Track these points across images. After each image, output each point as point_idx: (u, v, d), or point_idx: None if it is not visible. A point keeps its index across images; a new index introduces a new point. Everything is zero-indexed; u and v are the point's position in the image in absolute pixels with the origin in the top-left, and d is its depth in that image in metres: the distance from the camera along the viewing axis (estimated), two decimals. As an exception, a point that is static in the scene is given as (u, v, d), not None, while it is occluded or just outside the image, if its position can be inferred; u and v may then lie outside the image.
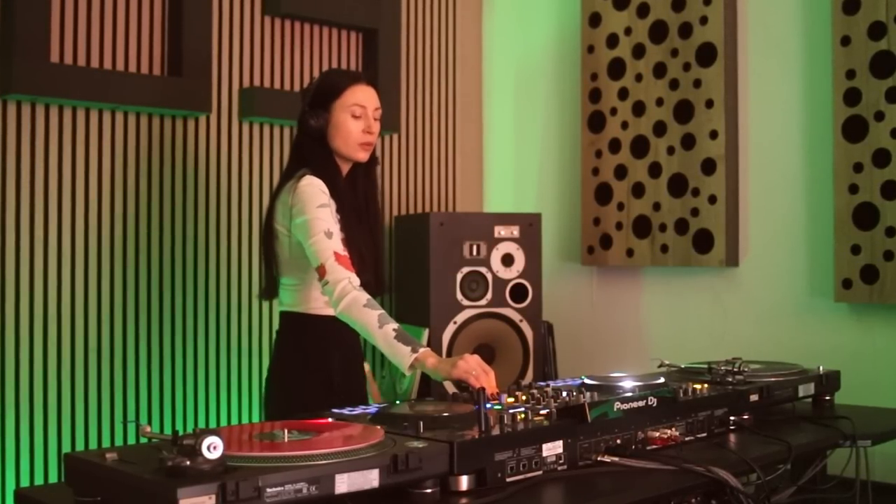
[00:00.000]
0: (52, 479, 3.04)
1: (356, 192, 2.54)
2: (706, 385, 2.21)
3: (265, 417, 2.56)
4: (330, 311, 2.36)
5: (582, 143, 4.00)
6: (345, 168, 2.53)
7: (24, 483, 2.98)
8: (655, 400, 1.98)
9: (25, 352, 3.05)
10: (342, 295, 2.24)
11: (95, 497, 1.48)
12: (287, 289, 2.49)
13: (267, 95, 3.57)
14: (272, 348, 2.61)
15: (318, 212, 2.34)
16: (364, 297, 2.24)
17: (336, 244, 2.31)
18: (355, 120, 2.47)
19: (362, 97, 2.48)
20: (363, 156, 2.50)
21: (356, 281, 2.28)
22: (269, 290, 2.55)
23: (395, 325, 2.20)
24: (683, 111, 3.67)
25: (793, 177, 3.46)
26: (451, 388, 3.11)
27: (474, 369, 2.07)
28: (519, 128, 4.35)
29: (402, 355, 2.15)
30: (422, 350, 2.16)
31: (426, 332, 3.51)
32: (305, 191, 2.37)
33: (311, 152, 2.48)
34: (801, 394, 2.44)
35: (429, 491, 1.58)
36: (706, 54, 3.61)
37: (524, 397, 2.02)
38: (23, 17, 2.99)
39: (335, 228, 2.35)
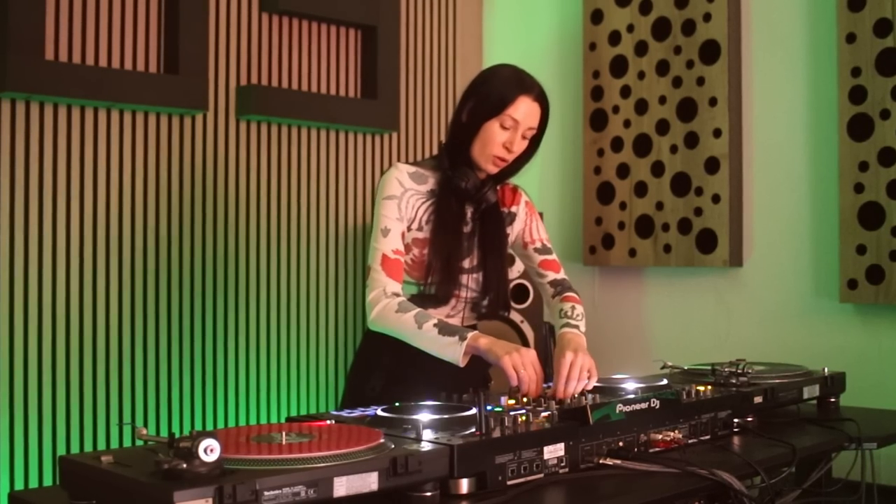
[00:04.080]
0: (47, 482, 3.03)
1: (475, 199, 2.30)
2: (710, 387, 2.19)
3: None
4: None
5: (584, 142, 3.98)
6: (479, 173, 2.31)
7: (19, 486, 2.96)
8: (658, 402, 1.96)
9: (20, 353, 3.02)
10: (373, 304, 2.14)
11: (90, 500, 1.46)
12: None
13: (264, 93, 3.55)
14: None
15: (383, 205, 2.22)
16: (395, 302, 2.12)
17: (388, 244, 2.19)
18: (502, 130, 2.22)
19: (521, 111, 2.21)
20: (492, 168, 2.28)
21: (391, 289, 2.16)
22: None
23: (435, 320, 2.09)
24: (686, 109, 3.65)
25: (797, 176, 3.44)
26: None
27: (524, 367, 2.01)
28: (520, 126, 4.33)
29: (451, 348, 2.05)
30: (469, 335, 2.05)
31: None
32: (383, 180, 2.26)
33: (452, 139, 2.30)
34: (805, 396, 2.43)
35: (429, 494, 1.55)
36: (709, 52, 3.59)
37: (525, 399, 2.00)
38: (17, 14, 2.97)
39: (395, 225, 2.20)
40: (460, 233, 2.30)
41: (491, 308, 2.38)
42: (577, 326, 2.28)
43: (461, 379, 2.17)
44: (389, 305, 2.13)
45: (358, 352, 2.44)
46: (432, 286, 2.24)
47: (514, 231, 2.43)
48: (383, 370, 2.30)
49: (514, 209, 2.43)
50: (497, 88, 2.24)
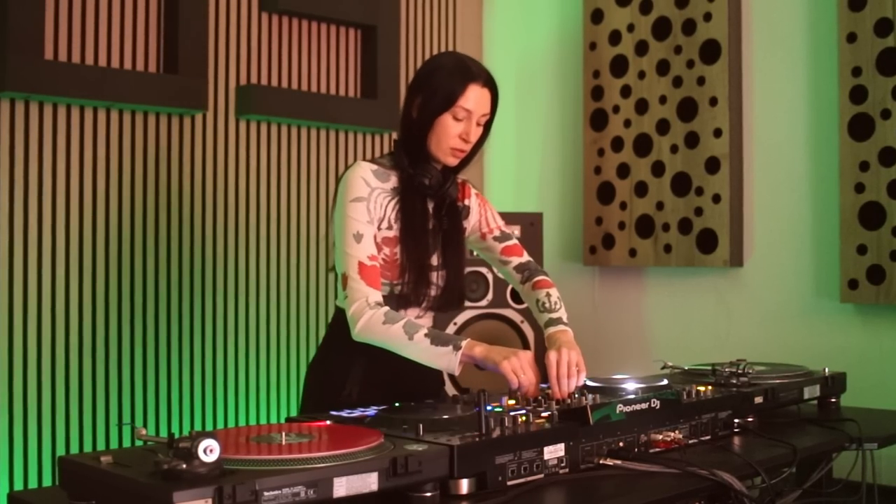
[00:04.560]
0: (46, 482, 3.02)
1: (439, 195, 2.27)
2: (710, 387, 2.18)
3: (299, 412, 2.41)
4: None
5: (584, 142, 3.97)
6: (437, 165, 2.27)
7: (18, 486, 2.96)
8: (659, 402, 1.96)
9: (19, 353, 3.02)
10: (356, 316, 2.09)
11: (90, 501, 1.46)
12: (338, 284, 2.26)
13: (264, 93, 3.55)
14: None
15: (350, 207, 2.15)
16: (381, 313, 2.08)
17: (363, 250, 2.12)
18: (455, 122, 2.18)
19: (472, 100, 2.18)
20: (452, 161, 2.25)
21: (374, 298, 2.12)
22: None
23: (426, 330, 2.06)
24: (687, 109, 3.64)
25: (798, 176, 3.44)
26: (451, 389, 3.08)
27: (523, 371, 2.00)
28: (520, 126, 4.32)
29: (445, 358, 2.02)
30: (464, 343, 2.03)
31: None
32: (346, 180, 2.19)
33: (407, 136, 2.26)
34: (806, 396, 2.42)
35: (429, 495, 1.55)
36: (710, 51, 3.58)
37: (525, 399, 1.99)
38: (16, 13, 2.96)
39: (366, 228, 2.14)
40: (427, 231, 2.26)
41: (447, 303, 2.32)
42: (559, 320, 2.24)
43: (419, 383, 2.18)
44: (375, 317, 2.08)
45: (325, 355, 2.35)
46: (406, 286, 2.20)
47: (469, 224, 2.39)
48: (357, 377, 2.25)
49: (467, 202, 2.39)
50: (444, 81, 2.19)
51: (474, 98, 2.18)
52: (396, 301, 2.21)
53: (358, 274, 2.12)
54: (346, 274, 2.13)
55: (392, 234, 2.21)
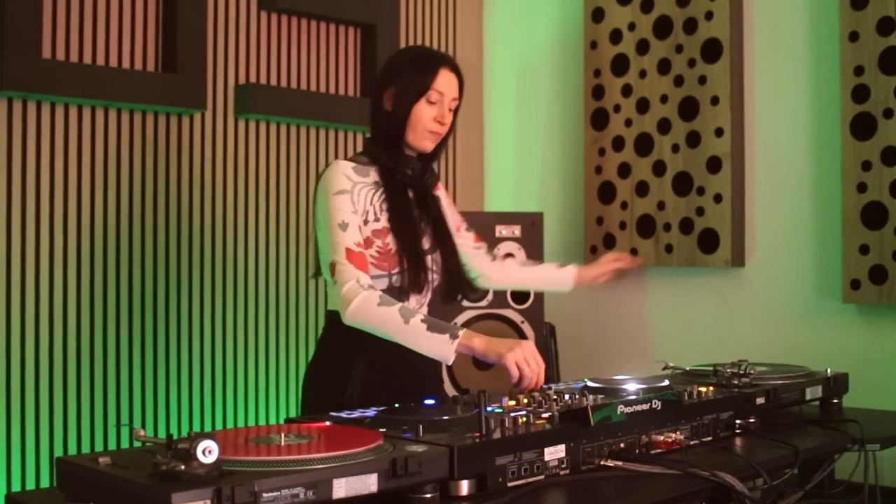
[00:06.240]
0: (44, 483, 3.01)
1: (419, 184, 2.31)
2: (711, 388, 2.17)
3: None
4: None
5: (585, 141, 3.96)
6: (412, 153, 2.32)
7: (16, 488, 2.95)
8: (660, 403, 1.94)
9: (17, 354, 3.01)
10: (349, 297, 2.05)
11: (88, 502, 1.45)
12: (328, 286, 2.24)
13: (263, 92, 3.54)
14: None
15: (335, 200, 2.15)
16: (375, 295, 2.05)
17: (350, 237, 2.12)
18: (429, 106, 2.23)
19: (444, 83, 2.24)
20: (429, 145, 2.27)
21: (365, 280, 2.09)
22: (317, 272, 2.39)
23: (422, 315, 2.03)
24: (688, 108, 3.63)
25: (800, 175, 3.43)
26: (450, 389, 3.07)
27: (527, 363, 2.00)
28: (520, 125, 4.32)
29: (441, 346, 1.99)
30: (461, 333, 2.00)
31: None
32: (327, 177, 2.20)
33: (384, 129, 2.29)
34: (808, 397, 2.42)
35: (429, 496, 1.54)
36: (711, 50, 3.57)
37: (526, 400, 1.98)
38: (14, 12, 2.96)
39: (352, 218, 2.14)
40: (415, 219, 2.29)
41: (453, 289, 2.34)
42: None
43: (417, 383, 2.19)
44: (370, 298, 2.05)
45: (323, 357, 2.32)
46: (405, 273, 2.20)
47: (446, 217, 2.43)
48: (358, 379, 2.23)
49: (437, 194, 2.41)
50: (415, 69, 2.26)
51: (445, 81, 2.25)
52: (398, 292, 2.21)
53: (346, 258, 2.11)
54: (334, 261, 2.11)
55: (380, 225, 2.22)
